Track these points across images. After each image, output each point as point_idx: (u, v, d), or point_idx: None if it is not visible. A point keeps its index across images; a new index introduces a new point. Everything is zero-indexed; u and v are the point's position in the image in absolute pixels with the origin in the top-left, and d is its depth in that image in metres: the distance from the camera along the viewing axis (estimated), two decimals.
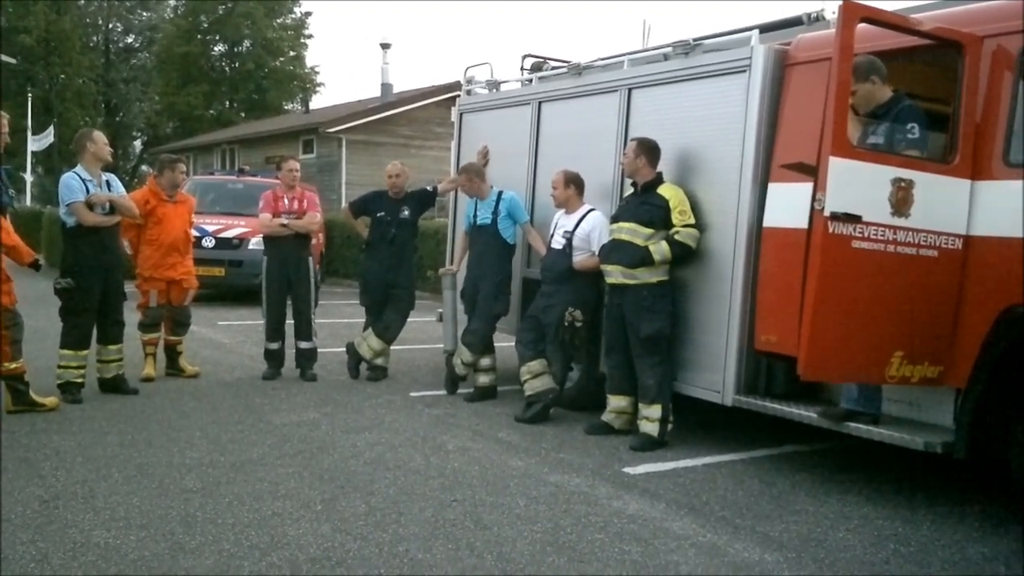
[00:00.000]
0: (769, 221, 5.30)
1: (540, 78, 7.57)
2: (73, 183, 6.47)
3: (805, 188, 4.92)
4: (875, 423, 4.79)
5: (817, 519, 4.54)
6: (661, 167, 5.81)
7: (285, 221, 7.61)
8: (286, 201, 7.69)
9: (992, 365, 4.34)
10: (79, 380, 6.60)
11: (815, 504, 4.78)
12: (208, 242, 13.17)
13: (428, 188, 8.03)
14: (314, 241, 8.36)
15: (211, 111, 41.73)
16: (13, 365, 6.04)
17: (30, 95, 34.63)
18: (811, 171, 4.86)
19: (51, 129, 31.31)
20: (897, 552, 4.13)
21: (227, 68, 43.37)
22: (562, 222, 6.47)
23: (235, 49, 42.93)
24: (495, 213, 7.02)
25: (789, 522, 4.47)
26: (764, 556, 4.01)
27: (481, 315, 7.04)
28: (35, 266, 6.61)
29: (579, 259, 6.28)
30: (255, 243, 13.18)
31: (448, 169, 10.20)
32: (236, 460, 5.21)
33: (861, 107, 4.77)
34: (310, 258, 7.83)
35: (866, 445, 5.02)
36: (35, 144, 31.27)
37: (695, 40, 6.02)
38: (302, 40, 43.94)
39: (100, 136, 6.77)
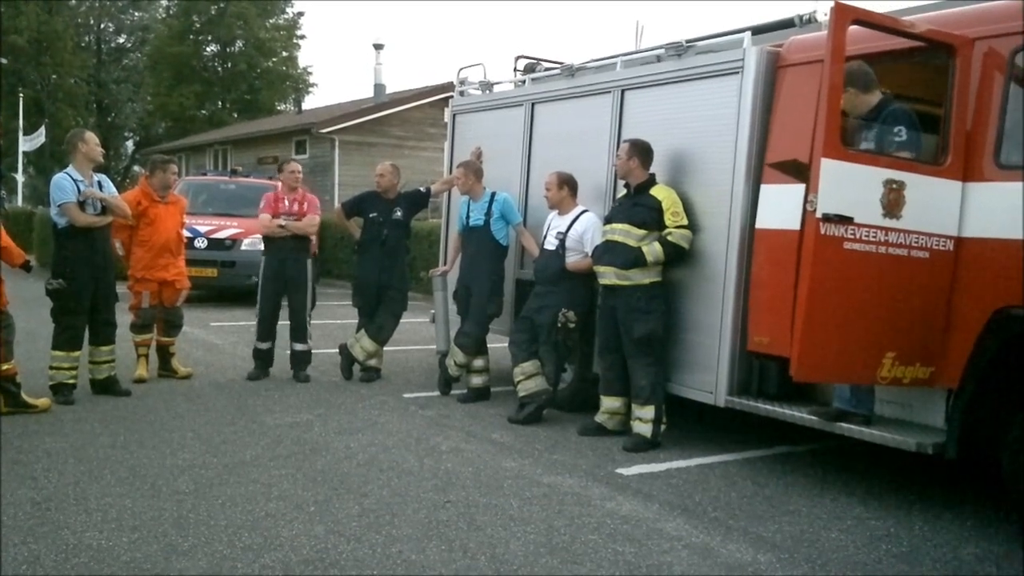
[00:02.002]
0: (761, 222, 5.32)
1: (533, 79, 7.58)
2: (65, 183, 6.45)
3: (797, 189, 4.94)
4: (867, 424, 4.81)
5: (810, 519, 4.55)
6: (654, 168, 5.83)
7: (283, 222, 7.61)
8: (286, 203, 7.69)
9: (983, 366, 4.36)
10: (71, 381, 6.58)
11: (808, 504, 4.79)
12: (200, 243, 13.14)
13: (421, 189, 8.03)
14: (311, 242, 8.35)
15: (203, 111, 41.60)
16: (5, 366, 6.02)
17: (21, 95, 34.50)
18: (799, 170, 4.88)
19: (42, 129, 31.19)
20: (889, 552, 4.15)
21: (219, 68, 43.23)
22: (555, 223, 6.47)
23: (227, 49, 42.80)
24: (488, 214, 7.02)
25: (782, 522, 4.49)
26: (757, 556, 4.03)
27: (474, 316, 7.04)
28: (26, 267, 6.61)
29: (572, 260, 6.29)
30: (248, 244, 13.20)
31: (441, 170, 10.20)
32: (229, 462, 5.19)
33: (849, 114, 4.79)
34: (308, 260, 7.83)
35: (858, 446, 5.04)
36: (26, 144, 31.18)
37: (688, 42, 6.04)
38: (295, 40, 43.86)
39: (92, 136, 6.75)
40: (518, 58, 8.02)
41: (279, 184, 7.99)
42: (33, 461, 5.06)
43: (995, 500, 4.71)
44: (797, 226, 4.92)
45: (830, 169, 4.33)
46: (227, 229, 13.63)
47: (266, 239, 7.78)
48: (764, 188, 5.33)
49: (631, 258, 5.68)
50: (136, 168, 45.95)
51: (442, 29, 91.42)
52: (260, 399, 6.94)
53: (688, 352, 5.75)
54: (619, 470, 5.29)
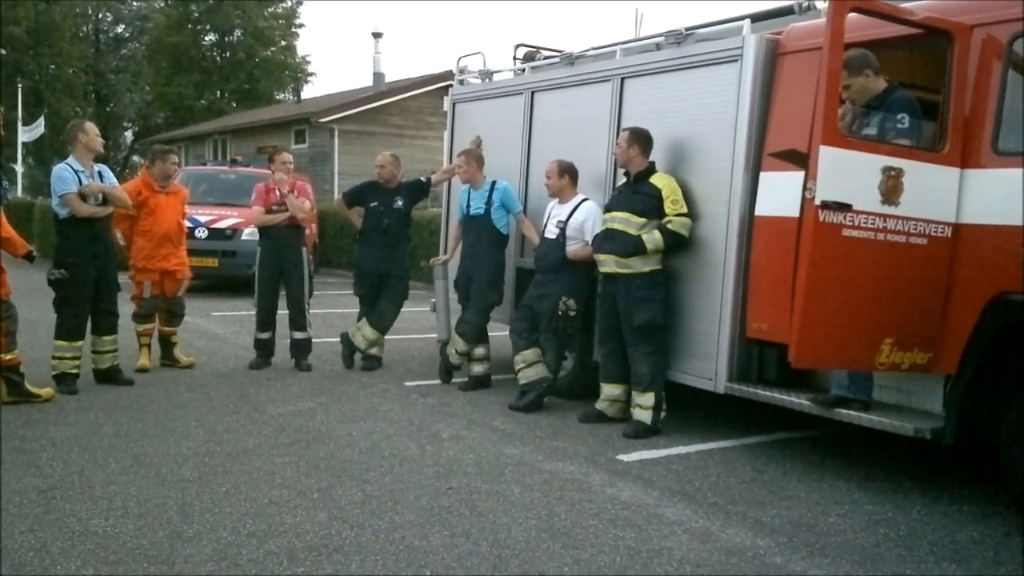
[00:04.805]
0: (761, 210, 5.34)
1: (533, 68, 7.58)
2: (66, 174, 6.46)
3: (796, 177, 4.96)
4: (865, 409, 4.84)
5: (808, 504, 4.59)
6: (654, 156, 5.84)
7: (276, 208, 7.63)
8: (278, 193, 7.70)
9: (981, 351, 4.39)
10: (74, 371, 6.61)
11: (806, 490, 4.83)
12: (201, 233, 13.14)
13: (422, 179, 8.05)
14: (307, 231, 8.37)
15: (202, 101, 41.49)
16: (8, 356, 6.05)
17: (20, 86, 34.41)
18: (798, 158, 4.90)
19: (41, 120, 31.13)
20: (887, 536, 4.19)
21: (218, 58, 43.09)
22: (556, 212, 6.49)
23: (226, 38, 42.64)
24: (488, 203, 7.03)
25: (780, 507, 4.53)
26: (756, 541, 4.06)
27: (475, 305, 7.07)
28: (29, 258, 6.63)
29: (572, 249, 6.31)
30: (248, 234, 13.18)
31: (441, 159, 10.20)
32: (232, 450, 5.23)
33: (857, 100, 4.81)
34: (303, 248, 7.84)
35: (857, 431, 5.07)
36: (26, 135, 31.11)
37: (687, 30, 6.04)
38: (293, 29, 43.71)
39: (92, 127, 6.76)
40: (518, 46, 8.03)
41: (275, 173, 7.93)
42: (38, 450, 5.10)
43: (992, 484, 4.74)
44: (796, 213, 4.94)
45: (829, 156, 4.34)
46: (227, 219, 13.64)
47: (261, 230, 7.80)
48: (763, 176, 5.35)
49: (631, 246, 5.70)
50: (135, 158, 45.89)
51: (441, 17, 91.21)
52: (262, 388, 6.98)
53: (688, 339, 5.78)
54: (619, 456, 5.33)
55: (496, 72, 8.05)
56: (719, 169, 5.54)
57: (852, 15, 4.45)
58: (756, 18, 5.85)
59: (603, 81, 6.55)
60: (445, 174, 8.03)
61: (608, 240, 5.85)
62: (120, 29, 48.66)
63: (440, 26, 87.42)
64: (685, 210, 5.65)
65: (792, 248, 4.91)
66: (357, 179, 10.08)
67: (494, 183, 7.09)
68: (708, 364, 5.60)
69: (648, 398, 5.75)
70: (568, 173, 6.43)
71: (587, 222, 6.26)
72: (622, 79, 6.37)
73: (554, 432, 5.87)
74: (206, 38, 42.94)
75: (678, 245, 5.70)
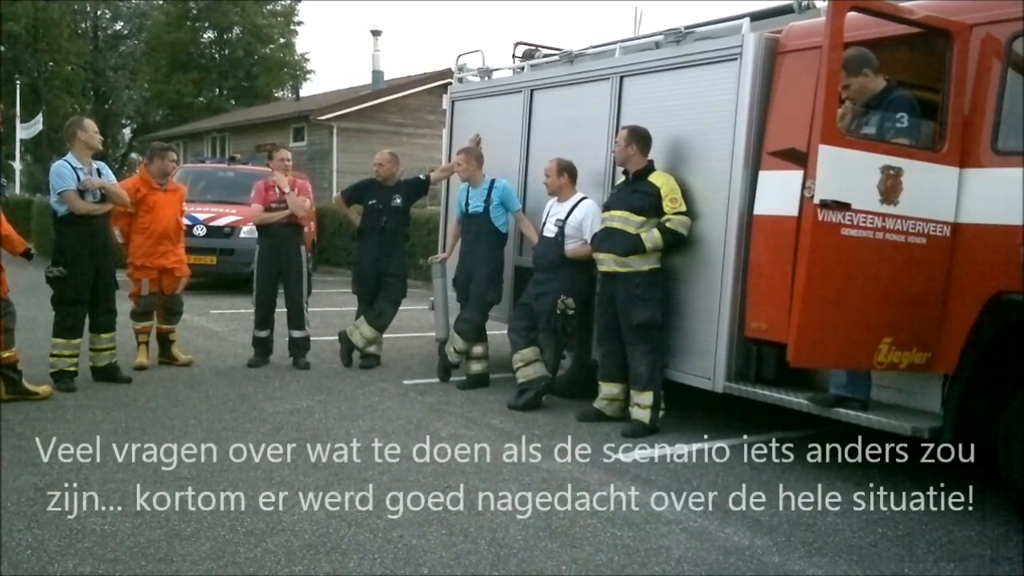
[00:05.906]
0: (760, 209, 5.34)
1: (532, 66, 7.58)
2: (64, 171, 6.45)
3: (795, 176, 4.96)
4: (864, 409, 4.85)
5: (806, 504, 4.58)
6: (652, 155, 5.84)
7: (275, 206, 7.63)
8: (278, 190, 7.69)
9: (979, 351, 4.39)
10: (72, 369, 6.60)
11: (805, 489, 4.82)
12: (199, 231, 13.15)
13: (421, 177, 8.05)
14: (306, 229, 8.37)
15: (201, 99, 41.47)
16: (6, 354, 6.05)
17: (18, 83, 34.38)
18: (799, 157, 4.90)
19: (40, 117, 31.09)
20: (885, 535, 4.19)
21: (217, 55, 43.07)
22: (554, 210, 6.49)
23: (224, 36, 42.62)
24: (487, 201, 7.03)
25: (779, 507, 4.52)
26: (754, 540, 4.06)
27: (474, 303, 7.06)
28: (27, 255, 6.62)
29: (571, 247, 6.31)
30: (247, 231, 13.17)
31: (440, 157, 10.19)
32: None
33: (856, 100, 4.81)
34: (302, 247, 7.83)
35: (855, 431, 5.06)
36: (24, 132, 31.07)
37: (687, 28, 6.04)
38: (292, 27, 43.69)
39: (91, 124, 6.74)
40: (517, 44, 8.02)
41: (274, 171, 7.94)
42: (35, 448, 5.08)
43: (991, 484, 4.74)
44: (795, 212, 4.94)
45: (828, 155, 4.34)
46: (226, 217, 13.65)
47: (260, 228, 7.80)
48: (762, 174, 5.35)
49: (630, 245, 5.69)
50: (134, 155, 45.83)
51: (441, 15, 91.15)
52: (260, 386, 6.97)
53: (686, 338, 5.77)
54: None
55: (495, 70, 8.04)
56: (718, 168, 5.54)
57: (852, 14, 4.45)
58: (755, 17, 5.86)
59: (602, 79, 6.54)
60: (444, 172, 8.02)
61: (607, 239, 5.84)
62: (119, 26, 48.58)
63: (439, 24, 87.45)
64: (684, 209, 5.65)
65: (791, 247, 4.91)
66: (356, 177, 10.07)
67: (493, 181, 7.08)
68: (706, 363, 5.60)
69: (647, 397, 5.75)
70: (567, 171, 6.43)
71: (586, 220, 6.26)
72: (621, 77, 6.37)
73: (552, 431, 5.86)
74: (205, 35, 42.90)
75: (677, 244, 5.70)
